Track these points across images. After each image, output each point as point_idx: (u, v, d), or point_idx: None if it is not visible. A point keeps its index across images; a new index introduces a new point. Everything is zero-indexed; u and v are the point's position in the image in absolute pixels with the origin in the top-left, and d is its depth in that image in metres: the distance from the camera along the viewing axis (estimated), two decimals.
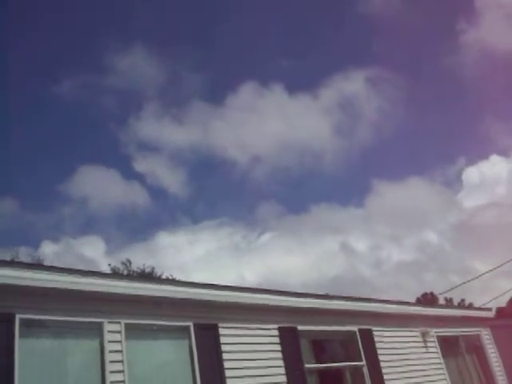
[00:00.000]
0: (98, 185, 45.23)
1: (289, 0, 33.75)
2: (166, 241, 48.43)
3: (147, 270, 34.44)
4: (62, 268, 7.08)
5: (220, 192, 49.16)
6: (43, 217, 47.42)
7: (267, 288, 9.92)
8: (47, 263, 26.13)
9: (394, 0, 37.70)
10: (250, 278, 46.17)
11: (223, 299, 8.59)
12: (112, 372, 6.84)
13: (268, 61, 38.98)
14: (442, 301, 40.44)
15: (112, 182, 46.09)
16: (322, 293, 13.19)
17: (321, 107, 45.63)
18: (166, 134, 44.70)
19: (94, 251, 43.36)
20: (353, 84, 43.42)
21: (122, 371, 6.96)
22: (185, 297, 8.08)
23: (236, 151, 49.43)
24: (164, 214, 53.13)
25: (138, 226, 50.78)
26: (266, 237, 53.15)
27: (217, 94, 43.12)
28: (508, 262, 22.20)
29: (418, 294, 45.73)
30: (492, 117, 43.56)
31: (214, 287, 8.77)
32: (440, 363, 12.66)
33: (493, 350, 14.71)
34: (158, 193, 48.90)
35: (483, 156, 56.76)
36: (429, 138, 43.41)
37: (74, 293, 6.80)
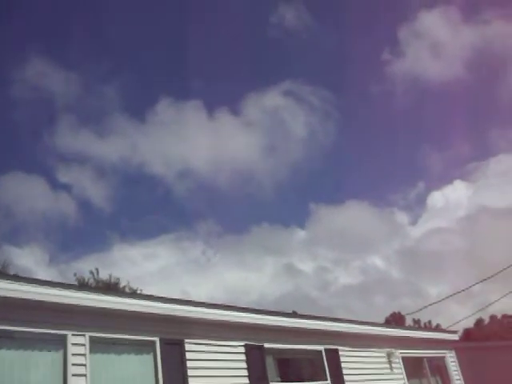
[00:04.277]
0: (23, 194, 43.46)
1: (201, 25, 34.18)
2: (110, 254, 46.88)
3: (113, 281, 33.71)
4: (26, 278, 6.99)
5: (147, 208, 47.94)
6: None
7: (235, 305, 9.88)
8: None
9: (311, 25, 38.51)
10: (195, 296, 45.56)
11: (190, 315, 8.55)
12: None
13: (184, 79, 39.26)
14: (409, 322, 40.66)
15: (38, 191, 44.24)
16: (290, 311, 13.19)
17: (243, 124, 45.65)
18: (87, 147, 43.25)
19: (30, 261, 41.65)
20: (274, 100, 43.67)
21: None
22: (151, 311, 8.01)
23: (161, 166, 48.07)
24: (94, 226, 51.30)
25: (67, 238, 48.94)
26: (209, 255, 52.10)
27: (135, 107, 42.13)
28: (475, 284, 22.67)
29: (379, 315, 45.58)
30: (428, 145, 44.58)
31: (181, 302, 8.72)
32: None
33: (457, 372, 14.89)
34: (84, 205, 47.08)
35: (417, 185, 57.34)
36: (363, 160, 43.78)
37: (38, 303, 6.70)
